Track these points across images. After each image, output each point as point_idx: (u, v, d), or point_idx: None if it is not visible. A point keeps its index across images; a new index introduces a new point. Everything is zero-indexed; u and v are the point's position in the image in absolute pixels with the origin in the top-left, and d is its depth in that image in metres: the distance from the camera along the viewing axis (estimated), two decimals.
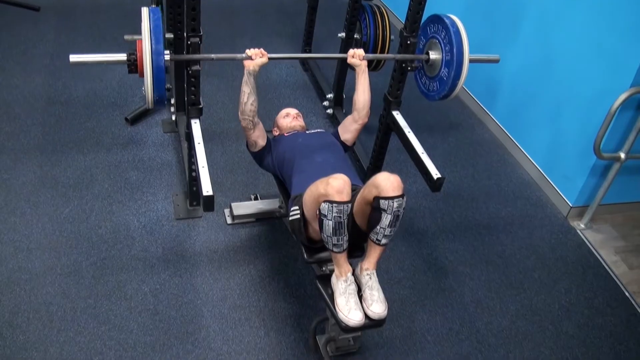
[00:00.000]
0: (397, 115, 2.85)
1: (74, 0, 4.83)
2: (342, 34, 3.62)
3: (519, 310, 2.82)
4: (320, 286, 2.17)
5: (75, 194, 3.03)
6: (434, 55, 2.62)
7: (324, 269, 2.31)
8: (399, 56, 2.75)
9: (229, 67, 4.16)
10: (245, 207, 3.03)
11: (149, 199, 3.07)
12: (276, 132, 2.77)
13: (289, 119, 2.76)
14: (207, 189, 2.24)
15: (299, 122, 2.77)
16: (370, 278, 2.09)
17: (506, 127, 3.93)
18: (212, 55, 2.39)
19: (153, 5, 3.02)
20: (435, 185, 2.55)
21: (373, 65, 3.50)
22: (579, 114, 3.28)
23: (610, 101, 2.91)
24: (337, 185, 1.99)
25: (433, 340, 2.61)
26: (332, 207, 1.97)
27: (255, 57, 2.36)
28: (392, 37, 3.35)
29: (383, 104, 2.96)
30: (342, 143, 2.69)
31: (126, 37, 3.17)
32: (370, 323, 2.05)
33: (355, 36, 3.58)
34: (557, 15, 3.37)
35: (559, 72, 3.40)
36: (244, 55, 2.36)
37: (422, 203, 3.34)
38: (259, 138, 2.56)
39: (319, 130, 2.76)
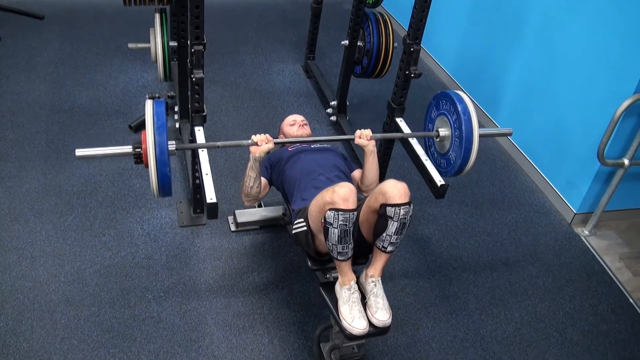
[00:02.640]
0: (401, 122, 2.85)
1: (77, 8, 4.86)
2: (346, 42, 3.63)
3: (524, 317, 2.81)
4: (324, 294, 2.17)
5: (79, 202, 3.04)
6: (443, 132, 2.52)
7: (327, 276, 2.31)
8: (407, 134, 2.72)
9: (233, 75, 4.18)
10: (249, 215, 3.03)
11: (152, 207, 3.08)
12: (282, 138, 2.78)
13: (296, 127, 2.77)
14: (210, 196, 2.24)
15: (305, 131, 2.77)
16: (375, 285, 2.08)
17: None
18: (218, 143, 2.40)
19: (156, 15, 3.02)
20: (439, 192, 2.54)
21: (376, 72, 3.52)
22: (583, 120, 3.28)
23: (614, 108, 2.91)
24: (343, 193, 1.98)
25: (437, 348, 2.60)
26: (337, 214, 1.97)
27: (261, 143, 2.31)
28: (396, 44, 3.36)
29: (386, 111, 2.96)
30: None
31: (130, 45, 3.19)
32: (375, 331, 2.04)
33: (358, 44, 3.60)
34: (560, 22, 3.37)
35: (562, 79, 3.40)
36: (249, 141, 2.33)
37: (426, 210, 3.33)
38: (263, 193, 2.54)
39: (324, 145, 2.73)
